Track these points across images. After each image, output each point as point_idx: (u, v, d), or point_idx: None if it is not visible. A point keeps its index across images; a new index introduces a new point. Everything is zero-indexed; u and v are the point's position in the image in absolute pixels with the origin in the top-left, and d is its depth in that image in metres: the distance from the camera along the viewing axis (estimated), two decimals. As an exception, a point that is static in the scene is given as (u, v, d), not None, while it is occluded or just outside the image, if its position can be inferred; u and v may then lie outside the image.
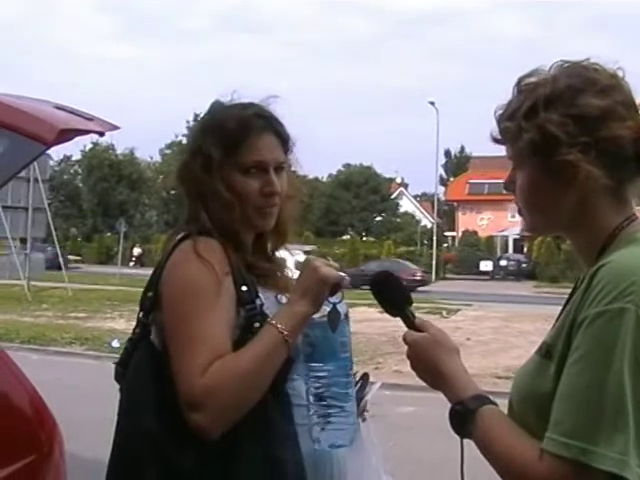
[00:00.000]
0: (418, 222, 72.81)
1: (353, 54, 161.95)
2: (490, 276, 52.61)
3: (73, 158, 71.96)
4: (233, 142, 2.14)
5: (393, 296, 1.85)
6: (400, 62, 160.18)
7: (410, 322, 1.79)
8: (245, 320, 2.04)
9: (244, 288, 2.06)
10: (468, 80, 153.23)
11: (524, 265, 52.54)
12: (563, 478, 1.41)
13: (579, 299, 1.51)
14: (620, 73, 1.62)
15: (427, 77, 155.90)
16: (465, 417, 1.60)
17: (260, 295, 2.10)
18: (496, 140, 1.69)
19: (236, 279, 2.06)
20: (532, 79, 1.63)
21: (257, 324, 2.02)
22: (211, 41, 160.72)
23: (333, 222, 68.82)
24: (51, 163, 44.46)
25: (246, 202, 2.15)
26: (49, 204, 30.23)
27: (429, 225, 66.45)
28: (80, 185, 70.53)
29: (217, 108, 2.25)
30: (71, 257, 41.04)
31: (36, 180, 24.90)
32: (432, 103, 55.53)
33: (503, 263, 53.97)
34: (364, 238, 65.95)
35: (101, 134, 3.35)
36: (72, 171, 73.37)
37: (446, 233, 69.54)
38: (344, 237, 65.21)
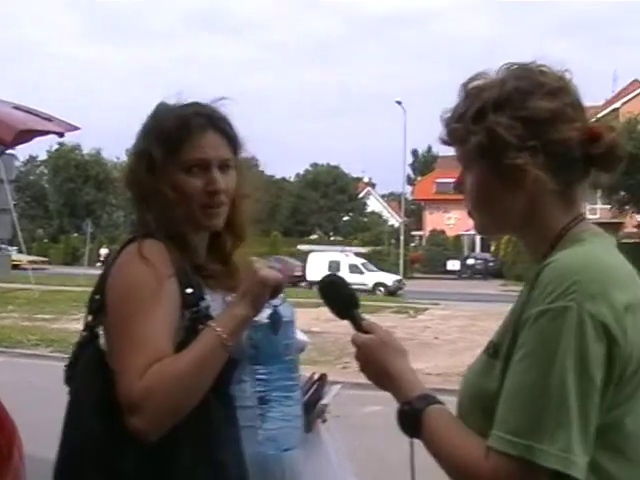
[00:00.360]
0: (385, 221, 72.95)
1: (321, 54, 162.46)
2: (457, 275, 52.90)
3: (39, 158, 71.47)
4: (174, 141, 2.12)
5: (341, 299, 1.85)
6: (368, 63, 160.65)
7: (358, 324, 1.80)
8: (189, 322, 2.02)
9: (189, 290, 2.05)
10: (435, 81, 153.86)
11: (491, 264, 52.88)
12: (509, 476, 1.42)
13: (524, 298, 1.53)
14: (567, 75, 1.63)
15: (395, 78, 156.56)
16: (412, 417, 1.61)
17: (207, 297, 2.09)
18: (444, 142, 1.69)
19: (181, 281, 2.04)
20: (477, 82, 1.64)
21: (201, 326, 2.01)
22: (178, 41, 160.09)
23: (300, 222, 68.75)
24: (17, 164, 43.92)
25: (191, 201, 2.12)
26: (15, 205, 29.90)
27: (396, 224, 66.54)
28: (46, 186, 69.84)
29: (160, 109, 2.22)
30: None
31: (1, 181, 24.59)
32: (399, 102, 55.64)
33: (470, 262, 54.32)
34: (332, 238, 65.92)
35: (60, 134, 3.33)
36: (38, 171, 72.74)
37: (413, 232, 69.73)
38: (312, 237, 65.15)
